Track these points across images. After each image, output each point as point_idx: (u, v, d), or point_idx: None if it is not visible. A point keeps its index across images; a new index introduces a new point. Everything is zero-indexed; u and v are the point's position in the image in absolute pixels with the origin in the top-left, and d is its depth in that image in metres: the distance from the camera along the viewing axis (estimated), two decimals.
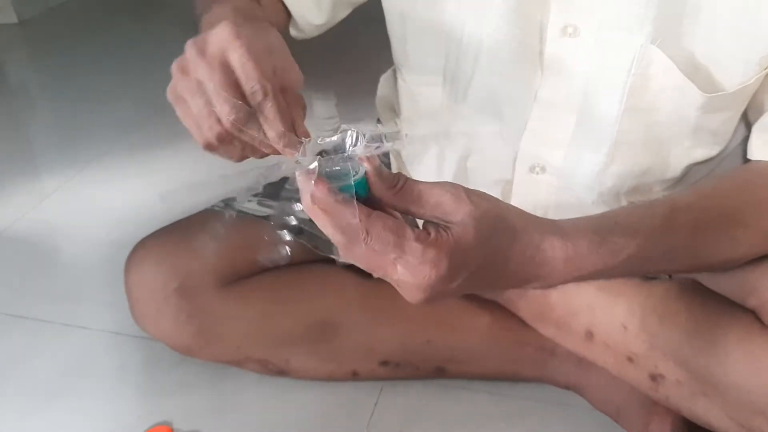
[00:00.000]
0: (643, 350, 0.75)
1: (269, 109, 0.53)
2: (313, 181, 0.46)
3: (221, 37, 0.53)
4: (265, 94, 0.53)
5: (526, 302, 0.86)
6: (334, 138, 0.48)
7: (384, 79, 0.89)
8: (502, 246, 0.50)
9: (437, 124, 0.78)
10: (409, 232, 0.46)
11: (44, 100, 1.90)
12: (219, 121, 0.53)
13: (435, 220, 0.49)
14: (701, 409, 0.72)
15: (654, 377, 0.75)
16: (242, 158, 0.57)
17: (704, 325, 0.70)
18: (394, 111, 0.87)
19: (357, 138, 0.48)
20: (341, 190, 0.46)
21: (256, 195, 0.92)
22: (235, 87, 0.53)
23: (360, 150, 0.47)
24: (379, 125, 0.50)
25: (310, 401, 0.90)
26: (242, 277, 0.85)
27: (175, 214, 0.89)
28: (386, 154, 0.48)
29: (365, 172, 0.47)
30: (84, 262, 1.19)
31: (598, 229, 0.55)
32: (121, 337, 1.01)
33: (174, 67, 0.55)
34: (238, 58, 0.53)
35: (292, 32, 0.82)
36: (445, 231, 0.48)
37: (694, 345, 0.70)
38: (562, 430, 0.85)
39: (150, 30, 2.31)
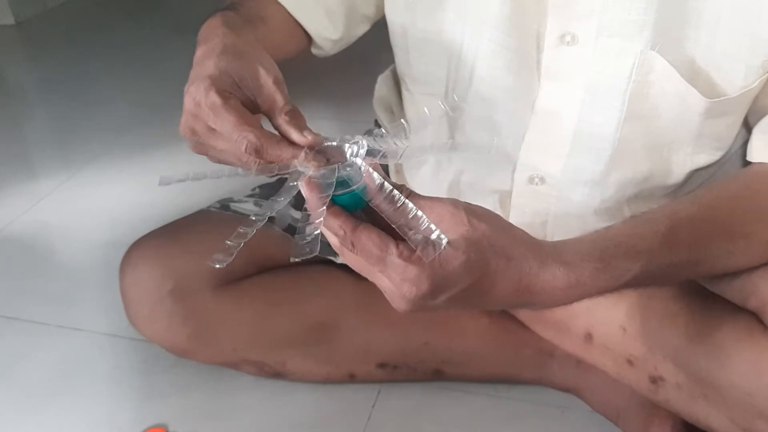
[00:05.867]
0: (642, 352, 0.75)
1: (270, 153, 0.53)
2: (309, 189, 0.46)
3: (192, 112, 0.55)
4: (255, 147, 0.53)
5: None
6: (334, 143, 0.49)
7: (381, 80, 0.88)
8: (490, 273, 0.50)
9: (439, 134, 0.78)
10: (393, 248, 0.47)
11: (41, 102, 1.89)
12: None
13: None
14: (702, 412, 0.72)
15: (654, 380, 0.75)
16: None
17: (704, 327, 0.70)
18: (392, 112, 0.86)
19: (359, 148, 0.48)
20: (340, 198, 0.47)
21: (252, 196, 0.91)
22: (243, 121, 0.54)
23: (361, 161, 0.47)
24: (381, 130, 0.50)
25: (307, 404, 0.89)
26: (238, 279, 0.85)
27: (171, 214, 0.89)
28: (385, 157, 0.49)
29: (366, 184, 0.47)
30: (79, 264, 1.18)
31: (601, 255, 0.55)
32: (117, 339, 1.00)
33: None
34: (215, 124, 0.55)
35: (313, 50, 0.81)
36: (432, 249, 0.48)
37: (694, 347, 0.70)
38: None
39: (147, 32, 2.31)
